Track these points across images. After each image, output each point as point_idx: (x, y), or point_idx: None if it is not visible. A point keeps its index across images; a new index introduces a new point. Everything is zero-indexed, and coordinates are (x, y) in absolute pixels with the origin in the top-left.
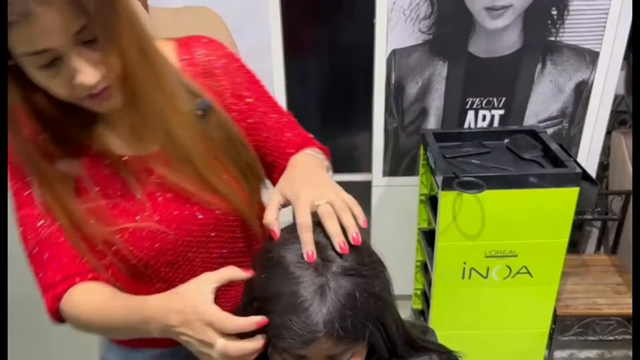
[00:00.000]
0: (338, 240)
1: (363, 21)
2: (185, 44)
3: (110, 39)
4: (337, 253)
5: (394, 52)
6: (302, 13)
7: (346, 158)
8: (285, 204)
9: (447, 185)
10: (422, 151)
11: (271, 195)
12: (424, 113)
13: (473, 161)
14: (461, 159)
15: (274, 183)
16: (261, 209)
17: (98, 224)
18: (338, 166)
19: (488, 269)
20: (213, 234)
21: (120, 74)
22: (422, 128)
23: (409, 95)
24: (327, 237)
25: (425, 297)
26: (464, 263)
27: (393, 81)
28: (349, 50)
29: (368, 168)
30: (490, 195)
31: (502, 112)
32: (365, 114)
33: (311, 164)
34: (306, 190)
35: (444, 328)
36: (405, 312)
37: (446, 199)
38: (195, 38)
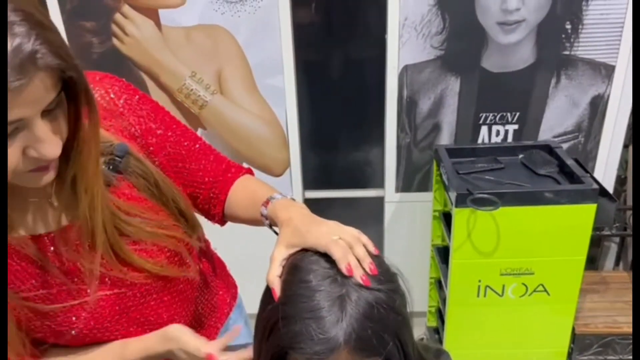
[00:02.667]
0: (359, 274)
1: (374, 37)
2: None
3: (73, 102)
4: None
5: (405, 68)
6: (313, 29)
7: (358, 174)
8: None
9: (461, 201)
10: (435, 167)
11: (276, 252)
12: (436, 128)
13: (487, 177)
14: (475, 175)
15: (201, 212)
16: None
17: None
18: (350, 182)
19: (504, 286)
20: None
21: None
22: (435, 144)
23: (422, 110)
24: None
25: (440, 315)
26: (479, 281)
27: (405, 97)
28: (360, 65)
29: (381, 184)
30: (505, 212)
31: (516, 127)
32: (378, 130)
33: (297, 208)
34: (316, 230)
35: (459, 347)
36: (420, 329)
37: (460, 215)
38: (88, 77)
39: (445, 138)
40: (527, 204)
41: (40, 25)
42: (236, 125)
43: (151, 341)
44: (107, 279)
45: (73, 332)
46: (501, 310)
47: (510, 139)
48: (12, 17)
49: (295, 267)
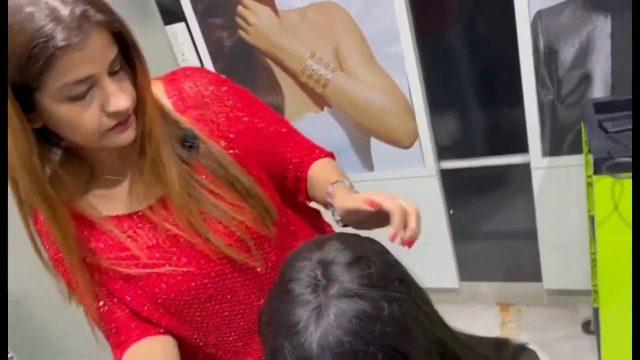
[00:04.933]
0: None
1: None
2: (172, 80)
3: (131, 69)
4: (342, 270)
5: (539, 14)
6: None
7: (498, 139)
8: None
9: (600, 168)
10: (582, 126)
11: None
12: (586, 80)
13: None
14: (629, 133)
15: (292, 192)
16: (275, 223)
17: (135, 286)
18: (489, 148)
19: None
20: (228, 266)
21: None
22: (586, 98)
23: (564, 60)
24: (336, 251)
25: None
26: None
27: (542, 47)
28: (485, 17)
29: (524, 148)
30: None
31: None
32: (514, 87)
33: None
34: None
35: (617, 334)
36: (586, 310)
37: (601, 184)
38: (180, 72)
39: (600, 89)
40: None
41: None
42: (358, 99)
43: None
44: (184, 254)
45: (159, 300)
46: None
47: None
48: None
49: (283, 275)
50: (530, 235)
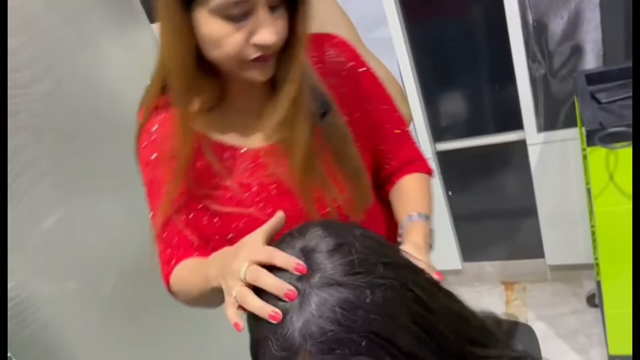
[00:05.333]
0: None
1: None
2: (317, 40)
3: (290, 8)
4: (324, 258)
5: None
6: None
7: (492, 117)
8: None
9: (593, 139)
10: (576, 98)
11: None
12: (577, 52)
13: None
14: (622, 102)
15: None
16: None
17: (214, 211)
18: (484, 127)
19: None
20: None
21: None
22: (579, 70)
23: (554, 33)
24: (318, 238)
25: None
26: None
27: (531, 21)
28: None
29: (519, 125)
30: None
31: None
32: (505, 64)
33: (414, 235)
34: None
35: (619, 306)
36: (590, 284)
37: (595, 155)
38: (327, 36)
39: (591, 60)
40: None
41: None
42: None
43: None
44: (271, 204)
45: (229, 236)
46: None
47: None
48: None
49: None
50: (530, 212)
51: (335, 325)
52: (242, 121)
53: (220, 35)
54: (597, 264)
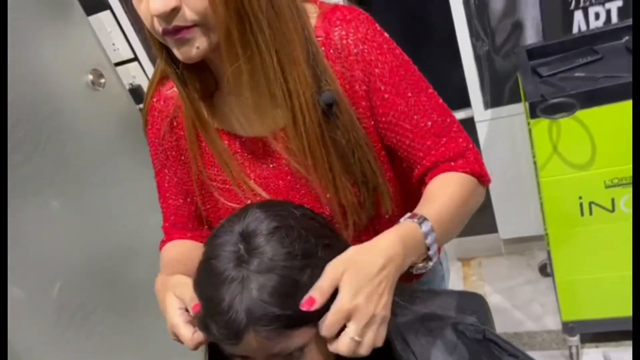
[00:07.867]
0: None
1: None
2: (326, 17)
3: None
4: (263, 242)
5: None
6: None
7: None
8: None
9: (535, 111)
10: (519, 74)
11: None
12: (518, 28)
13: (577, 74)
14: (562, 75)
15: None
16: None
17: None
18: None
19: (613, 200)
20: None
21: (213, 23)
22: (520, 45)
23: (495, 10)
24: (257, 221)
25: None
26: (580, 198)
27: None
28: None
29: (466, 103)
30: (599, 113)
31: (620, 3)
32: (449, 43)
33: (389, 234)
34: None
35: (569, 273)
36: (542, 254)
37: (538, 127)
38: (338, 13)
39: (532, 36)
40: (628, 98)
41: None
42: None
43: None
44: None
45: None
46: (614, 227)
47: (614, 19)
48: None
49: (205, 252)
50: None
51: (277, 308)
52: (242, 109)
53: (137, 6)
54: (547, 234)
